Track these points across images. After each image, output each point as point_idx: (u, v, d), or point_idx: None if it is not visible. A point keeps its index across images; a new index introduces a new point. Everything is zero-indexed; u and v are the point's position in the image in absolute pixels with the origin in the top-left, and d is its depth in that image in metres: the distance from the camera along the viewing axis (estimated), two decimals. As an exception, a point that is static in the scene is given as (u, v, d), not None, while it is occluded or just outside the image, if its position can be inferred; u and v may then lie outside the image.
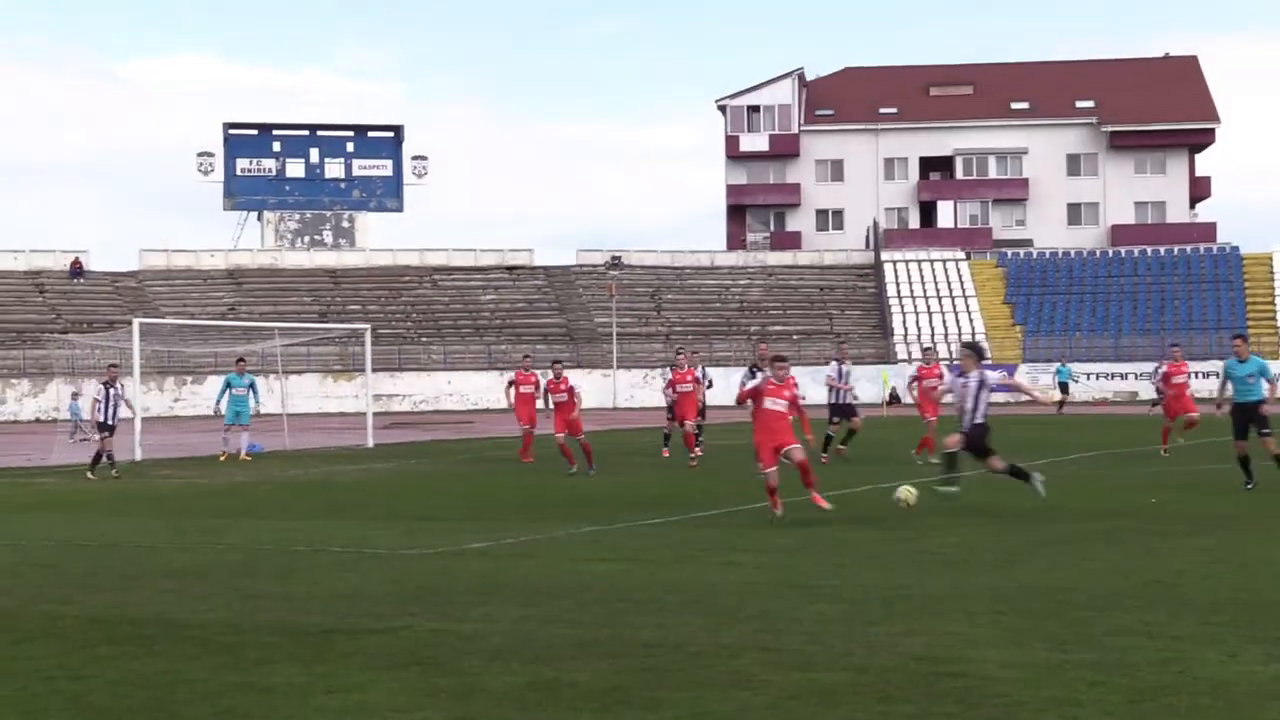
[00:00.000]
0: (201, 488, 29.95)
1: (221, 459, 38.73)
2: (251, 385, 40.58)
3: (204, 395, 75.06)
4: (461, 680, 10.15)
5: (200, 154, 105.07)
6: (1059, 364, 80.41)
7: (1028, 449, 33.67)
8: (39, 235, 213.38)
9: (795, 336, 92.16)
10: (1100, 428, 50.22)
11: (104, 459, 33.78)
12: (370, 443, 45.37)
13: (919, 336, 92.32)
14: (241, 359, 42.75)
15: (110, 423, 34.52)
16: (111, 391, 35.03)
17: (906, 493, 13.84)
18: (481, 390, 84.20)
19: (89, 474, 33.10)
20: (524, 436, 36.31)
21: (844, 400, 34.25)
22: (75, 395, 58.04)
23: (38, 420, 75.01)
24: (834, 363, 34.68)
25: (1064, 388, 75.33)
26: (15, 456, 41.17)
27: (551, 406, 33.11)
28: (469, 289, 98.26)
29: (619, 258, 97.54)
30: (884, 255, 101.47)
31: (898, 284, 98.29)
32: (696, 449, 33.79)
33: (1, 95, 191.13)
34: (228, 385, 40.37)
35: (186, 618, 13.02)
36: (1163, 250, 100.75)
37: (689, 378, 34.97)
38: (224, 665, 10.82)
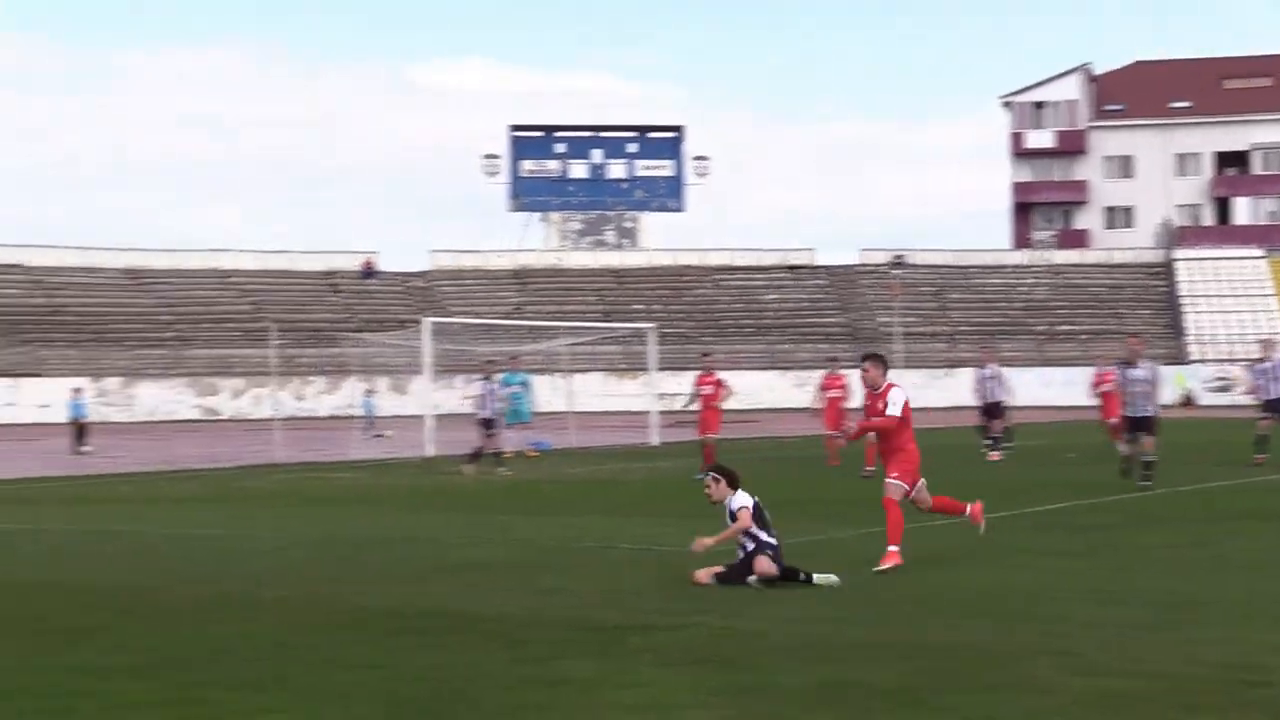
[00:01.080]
0: (492, 484, 30.54)
1: (508, 456, 39.47)
2: (524, 383, 41.14)
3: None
4: (752, 677, 10.22)
5: (486, 156, 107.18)
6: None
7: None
8: (333, 236, 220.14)
9: (1083, 336, 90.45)
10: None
11: (486, 455, 33.61)
12: (655, 440, 45.77)
13: (1213, 337, 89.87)
14: (515, 357, 43.32)
15: (491, 418, 34.22)
16: (491, 386, 34.67)
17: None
18: (763, 389, 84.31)
19: (463, 468, 33.01)
20: (828, 443, 33.95)
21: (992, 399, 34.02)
22: (369, 392, 59.62)
23: (333, 417, 77.32)
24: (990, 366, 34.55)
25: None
26: (313, 451, 42.52)
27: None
28: (751, 289, 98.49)
29: (902, 257, 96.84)
30: (1176, 253, 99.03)
31: (1191, 283, 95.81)
32: (993, 453, 33.11)
33: (300, 104, 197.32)
34: (505, 383, 41.10)
35: (480, 611, 13.31)
36: None
37: (839, 384, 34.36)
38: (518, 659, 11.03)
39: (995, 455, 33.11)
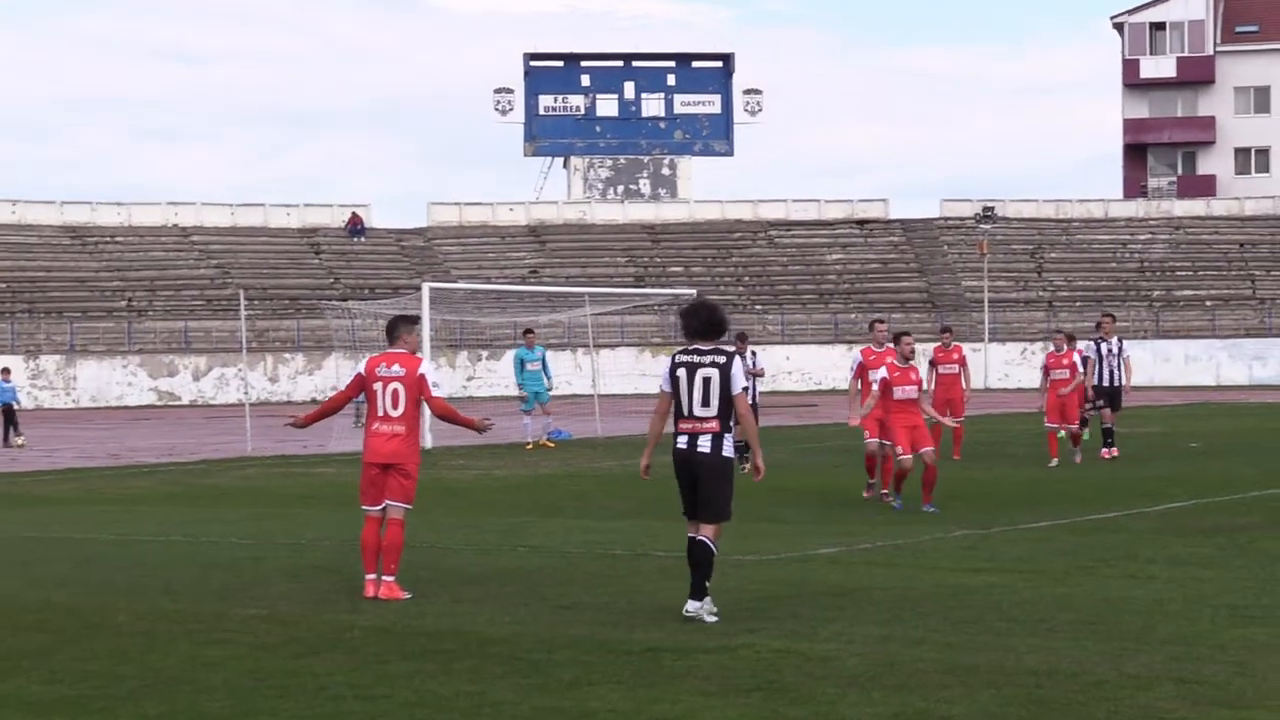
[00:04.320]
0: (500, 481, 30.57)
1: (529, 448, 39.47)
2: (542, 359, 41.25)
3: (501, 373, 76.57)
4: (814, 709, 10.19)
5: (497, 90, 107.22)
6: None
7: None
8: (315, 188, 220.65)
9: (1209, 303, 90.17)
10: None
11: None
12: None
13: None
14: (530, 330, 43.36)
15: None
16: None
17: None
18: (827, 367, 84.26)
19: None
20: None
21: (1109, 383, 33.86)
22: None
23: (314, 401, 77.48)
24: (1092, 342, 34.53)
25: None
26: (291, 443, 42.56)
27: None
28: (811, 247, 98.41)
29: (991, 209, 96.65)
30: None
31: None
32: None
33: (276, 30, 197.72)
34: (520, 362, 41.15)
35: (488, 631, 13.33)
36: None
37: (954, 356, 33.96)
38: (534, 686, 11.03)
39: (1112, 451, 32.85)
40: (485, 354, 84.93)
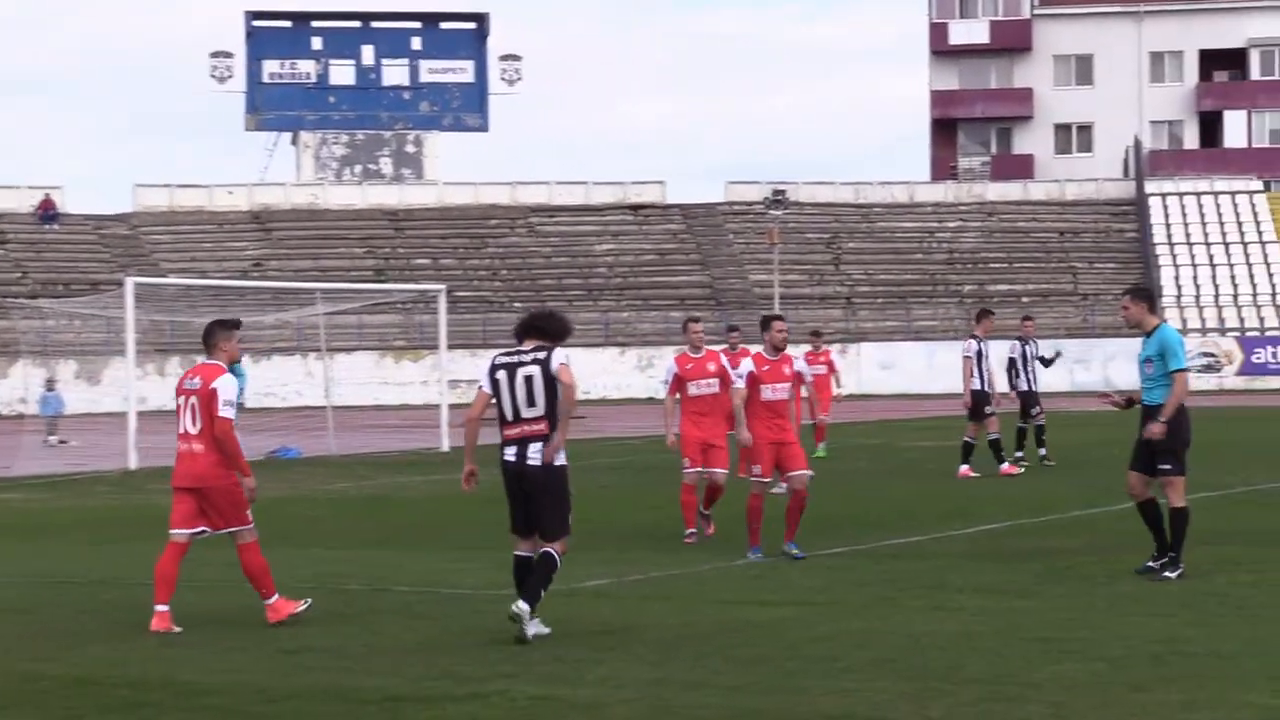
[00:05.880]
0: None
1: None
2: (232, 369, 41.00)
3: (220, 381, 75.73)
4: (576, 764, 10.22)
5: (214, 55, 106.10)
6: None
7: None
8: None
9: (1026, 299, 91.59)
10: None
11: None
12: (445, 445, 45.68)
13: (1197, 297, 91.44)
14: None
15: None
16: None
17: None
18: (596, 373, 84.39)
19: None
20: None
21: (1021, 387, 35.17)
22: (50, 382, 58.87)
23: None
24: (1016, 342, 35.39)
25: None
26: (-32, 464, 41.92)
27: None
28: (578, 236, 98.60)
29: (783, 192, 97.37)
30: (1149, 186, 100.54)
31: (1168, 225, 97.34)
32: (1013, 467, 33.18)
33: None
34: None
35: (203, 679, 13.22)
36: None
37: (821, 359, 34.13)
38: (256, 743, 10.97)
39: (1012, 469, 33.21)
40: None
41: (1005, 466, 32.50)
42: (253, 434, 40.12)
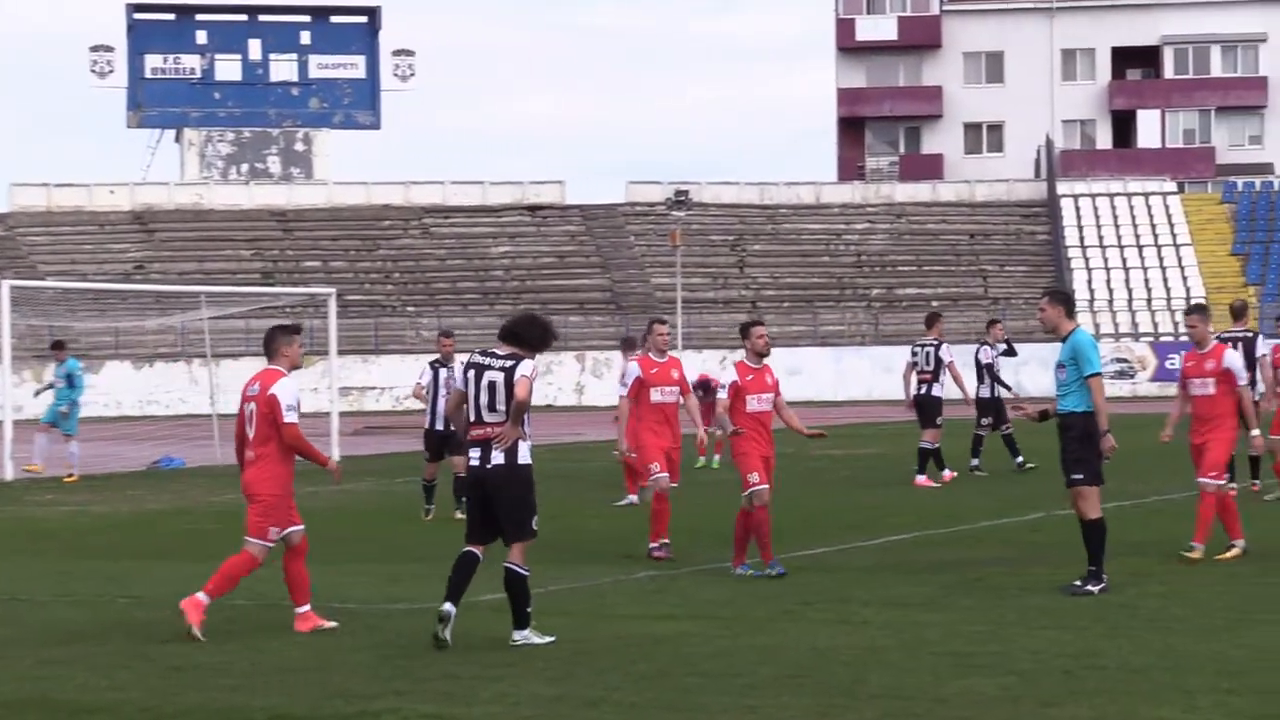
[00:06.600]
0: (98, 519, 30.06)
1: (35, 469, 38.92)
2: (69, 376, 41.04)
3: (102, 387, 75.49)
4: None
5: (94, 48, 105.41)
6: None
7: None
8: None
9: (935, 302, 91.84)
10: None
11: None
12: (336, 455, 45.53)
13: (1110, 301, 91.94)
14: (60, 343, 42.99)
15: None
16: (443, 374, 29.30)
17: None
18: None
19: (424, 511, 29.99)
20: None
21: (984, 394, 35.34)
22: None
23: None
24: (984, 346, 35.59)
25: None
26: None
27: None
28: (474, 237, 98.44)
29: (685, 193, 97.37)
30: (1061, 187, 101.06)
31: (1080, 227, 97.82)
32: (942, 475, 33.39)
33: None
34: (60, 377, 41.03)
35: (82, 698, 13.14)
36: None
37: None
38: (136, 765, 10.92)
39: (964, 472, 33.54)
40: (82, 365, 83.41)
41: (922, 479, 32.56)
42: (135, 443, 39.96)
